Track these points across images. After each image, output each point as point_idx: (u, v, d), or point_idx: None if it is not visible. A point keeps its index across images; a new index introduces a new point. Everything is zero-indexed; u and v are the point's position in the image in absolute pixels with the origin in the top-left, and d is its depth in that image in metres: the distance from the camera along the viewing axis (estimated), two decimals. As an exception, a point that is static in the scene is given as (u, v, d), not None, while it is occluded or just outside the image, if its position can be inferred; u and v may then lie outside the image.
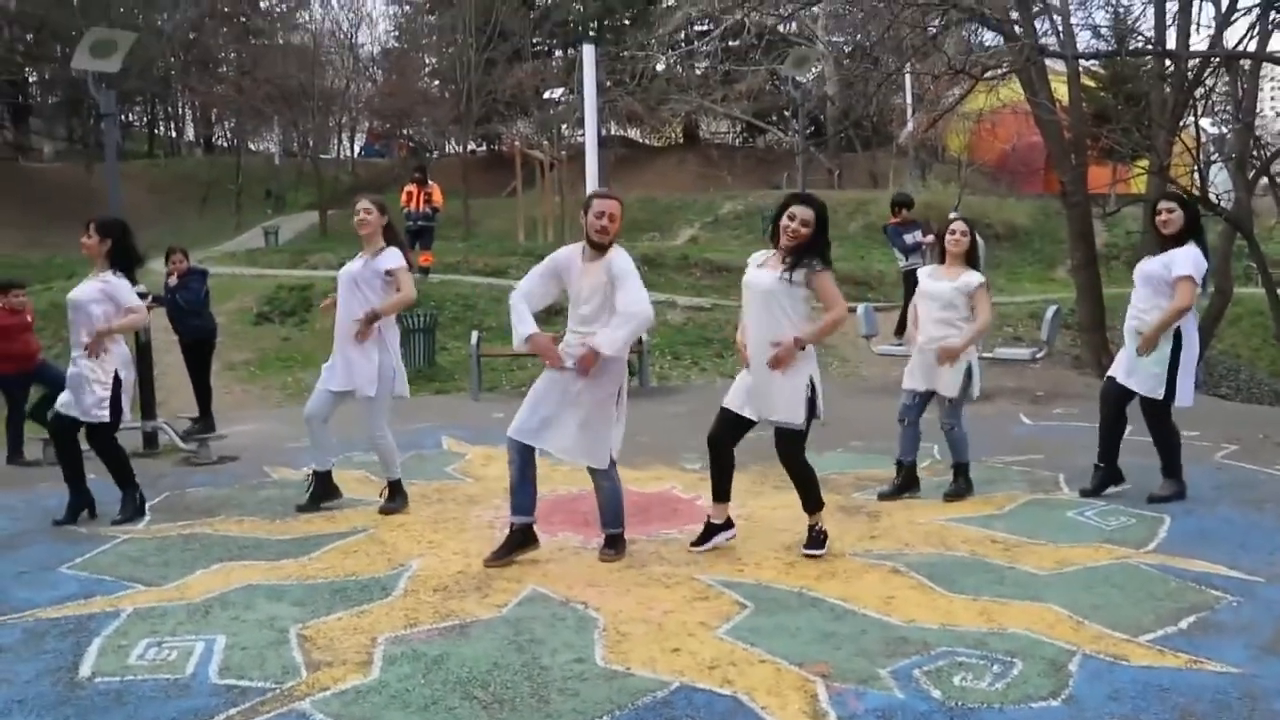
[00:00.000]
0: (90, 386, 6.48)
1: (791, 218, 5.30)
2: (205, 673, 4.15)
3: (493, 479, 7.34)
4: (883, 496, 6.70)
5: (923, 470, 7.04)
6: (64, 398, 6.58)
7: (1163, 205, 6.46)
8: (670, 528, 6.13)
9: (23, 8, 25.39)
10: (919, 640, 4.27)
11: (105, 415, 6.51)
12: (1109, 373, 6.68)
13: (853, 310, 12.04)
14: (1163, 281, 6.27)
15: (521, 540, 5.55)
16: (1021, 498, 6.62)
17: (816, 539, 5.51)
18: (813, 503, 5.53)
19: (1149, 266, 6.38)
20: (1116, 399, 6.55)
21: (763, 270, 5.40)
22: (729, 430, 5.51)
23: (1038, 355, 11.07)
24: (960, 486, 6.71)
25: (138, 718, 3.75)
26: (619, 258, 5.37)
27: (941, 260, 6.76)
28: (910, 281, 11.51)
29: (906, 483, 6.80)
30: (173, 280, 9.59)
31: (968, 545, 5.60)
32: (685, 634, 4.40)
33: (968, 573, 5.13)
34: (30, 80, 44.09)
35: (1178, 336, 6.27)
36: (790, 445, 5.41)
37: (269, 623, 4.69)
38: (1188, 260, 6.20)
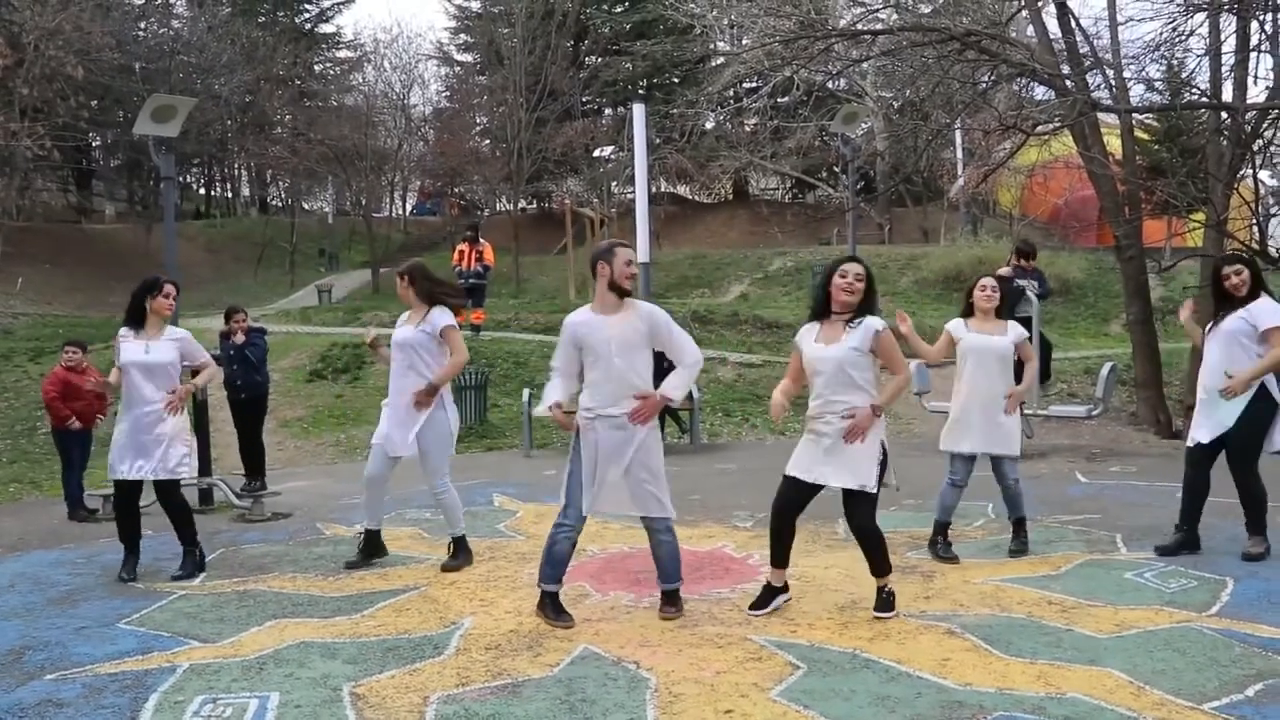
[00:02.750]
0: (175, 444, 6.62)
1: (844, 275, 5.32)
2: (260, 731, 4.17)
3: (544, 536, 7.31)
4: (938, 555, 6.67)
5: (977, 529, 6.97)
6: (137, 461, 6.65)
7: (1230, 270, 6.45)
8: (722, 586, 6.10)
9: (89, 76, 26.15)
10: (975, 704, 4.20)
11: (192, 470, 6.63)
12: (1192, 437, 6.56)
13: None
14: (1247, 337, 6.27)
15: (557, 602, 5.58)
16: (1078, 558, 6.51)
17: (886, 601, 5.45)
18: (882, 566, 5.45)
19: (1231, 325, 6.34)
20: (1202, 460, 6.48)
21: (825, 344, 5.36)
22: (796, 499, 5.46)
23: (1093, 413, 10.94)
24: (1024, 541, 6.67)
25: (193, 776, 3.77)
26: (647, 305, 5.44)
27: (968, 315, 6.73)
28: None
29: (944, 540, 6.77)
30: (238, 338, 9.74)
31: (1024, 607, 5.51)
32: (738, 695, 4.36)
33: (1024, 635, 5.04)
34: (94, 145, 45.17)
35: (1263, 385, 6.24)
36: (863, 509, 5.35)
37: (322, 680, 4.71)
38: (1275, 312, 6.26)
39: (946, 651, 4.84)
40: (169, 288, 6.78)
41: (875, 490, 5.31)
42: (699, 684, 4.50)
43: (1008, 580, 6.05)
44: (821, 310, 5.43)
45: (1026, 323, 11.45)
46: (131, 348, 6.68)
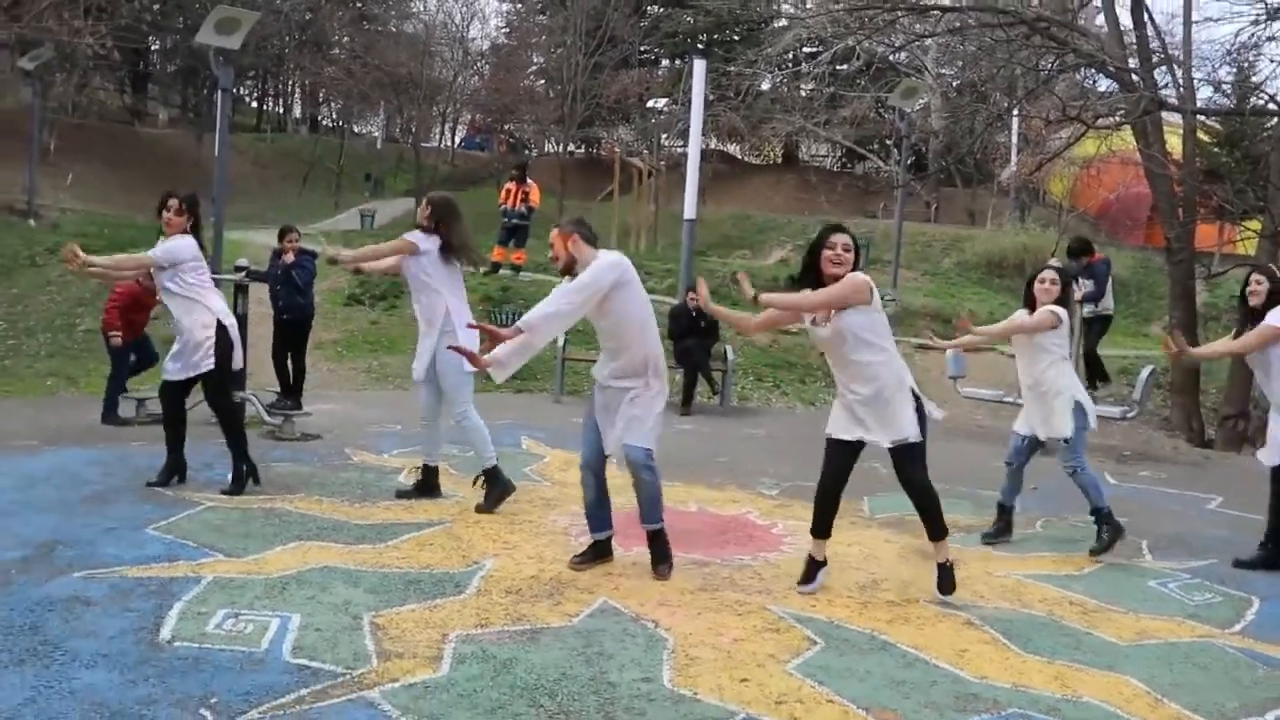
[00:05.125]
0: (195, 344, 6.71)
1: (832, 246, 5.17)
2: (279, 650, 4.23)
3: (571, 484, 7.35)
4: (986, 539, 6.70)
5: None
6: (171, 364, 6.77)
7: (1253, 278, 6.48)
8: (745, 553, 6.11)
9: (154, -23, 26.31)
10: (990, 698, 4.19)
11: (210, 364, 6.68)
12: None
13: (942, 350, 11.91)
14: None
15: (605, 551, 5.68)
16: (1102, 560, 6.47)
17: (948, 576, 5.39)
18: (938, 527, 5.35)
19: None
20: None
21: (822, 322, 5.25)
22: (843, 465, 5.38)
23: (1128, 415, 10.84)
24: (1106, 538, 6.50)
25: (213, 686, 3.83)
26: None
27: (1030, 308, 6.68)
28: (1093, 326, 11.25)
29: (1005, 527, 6.77)
30: (288, 258, 9.77)
31: (1045, 605, 5.49)
32: (754, 665, 4.37)
33: (1043, 633, 5.02)
34: (153, 49, 45.23)
35: None
36: (913, 462, 5.26)
37: (343, 607, 4.76)
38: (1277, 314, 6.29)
39: (965, 642, 4.83)
40: (171, 202, 6.81)
41: (921, 439, 5.24)
42: (716, 649, 4.52)
43: (1030, 576, 6.02)
44: (813, 283, 5.25)
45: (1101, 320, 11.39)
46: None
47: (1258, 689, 4.51)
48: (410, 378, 7.04)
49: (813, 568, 5.50)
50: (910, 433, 5.22)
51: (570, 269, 5.45)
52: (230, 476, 6.82)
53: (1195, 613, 5.52)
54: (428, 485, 7.00)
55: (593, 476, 5.62)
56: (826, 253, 5.18)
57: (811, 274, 5.24)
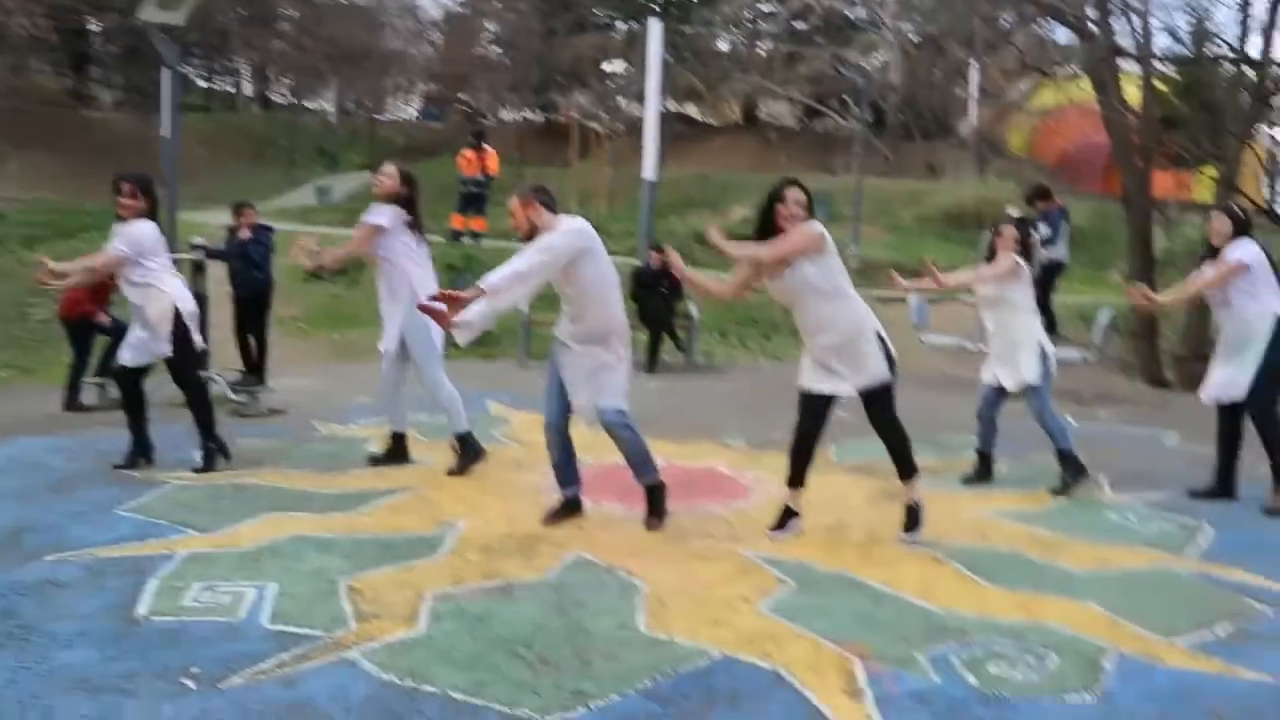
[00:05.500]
0: (157, 326, 6.64)
1: (784, 200, 5.23)
2: (257, 618, 4.27)
3: (538, 445, 7.34)
4: (966, 481, 6.87)
5: (967, 462, 7.07)
6: (126, 352, 6.73)
7: (1213, 215, 6.63)
8: (713, 503, 6.20)
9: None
10: (957, 628, 4.31)
11: (168, 349, 6.64)
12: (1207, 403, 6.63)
13: (903, 301, 12.03)
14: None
15: (576, 507, 5.77)
16: (1063, 497, 6.61)
17: (915, 516, 5.52)
18: (907, 466, 5.48)
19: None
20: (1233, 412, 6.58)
21: (785, 274, 5.30)
22: (819, 415, 5.47)
23: (1088, 357, 11.01)
24: (1069, 479, 6.71)
25: (193, 657, 3.87)
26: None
27: (991, 259, 6.80)
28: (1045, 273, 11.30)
29: (985, 472, 6.94)
30: (244, 234, 9.71)
31: (1008, 540, 5.63)
32: (727, 607, 4.47)
33: (1007, 566, 5.16)
34: (93, 29, 44.44)
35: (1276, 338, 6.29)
36: (884, 404, 5.38)
37: (318, 573, 4.81)
38: (1239, 247, 6.35)
39: (932, 577, 4.95)
40: (123, 185, 6.65)
41: (891, 379, 5.35)
42: (689, 594, 4.61)
43: (994, 513, 6.17)
44: (769, 237, 5.29)
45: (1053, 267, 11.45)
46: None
47: (1209, 607, 4.68)
48: (376, 349, 7.04)
49: (786, 515, 5.60)
50: (881, 375, 5.32)
51: (531, 236, 5.47)
52: (200, 455, 6.82)
53: (1151, 541, 5.69)
54: (398, 452, 7.03)
55: (557, 435, 5.70)
56: (780, 207, 5.24)
57: (769, 229, 5.29)
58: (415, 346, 6.72)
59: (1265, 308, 6.28)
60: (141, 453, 6.84)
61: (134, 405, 6.82)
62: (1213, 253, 6.51)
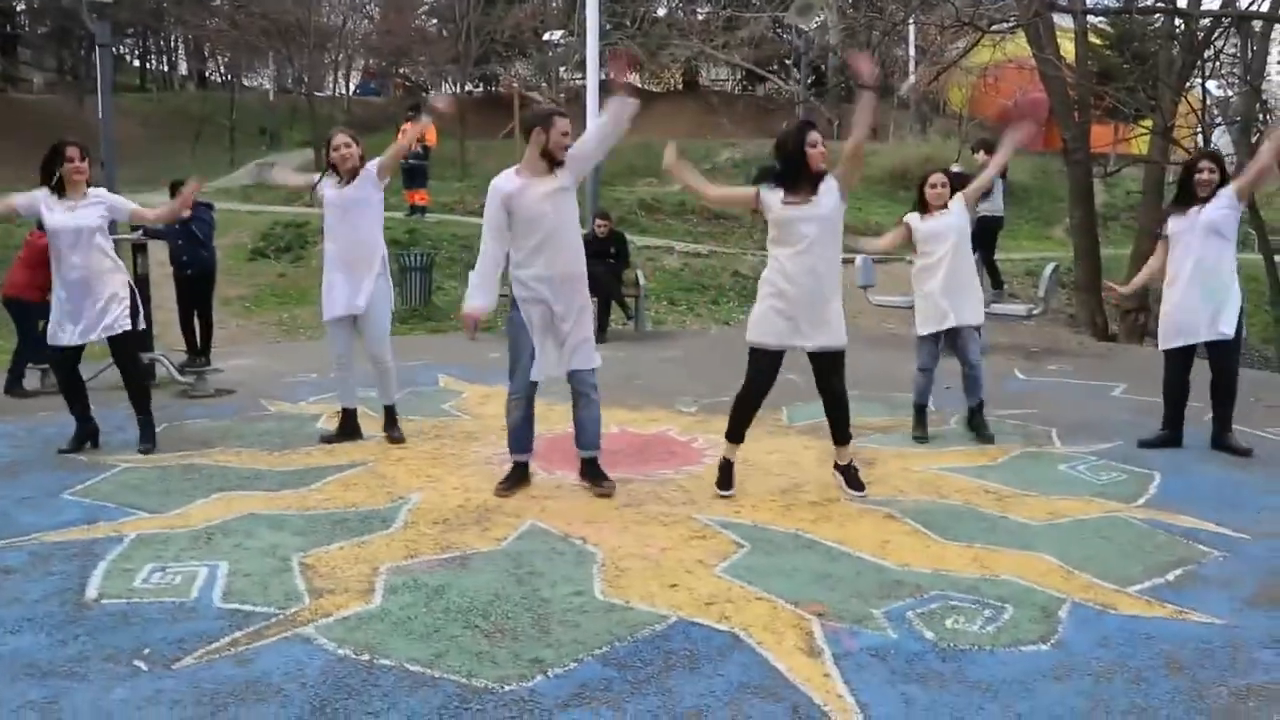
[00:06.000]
0: (111, 303, 6.55)
1: (814, 145, 5.33)
2: (209, 597, 4.21)
3: (490, 416, 7.39)
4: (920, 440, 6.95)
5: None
6: (75, 327, 6.55)
7: (1204, 164, 6.55)
8: (667, 469, 6.20)
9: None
10: (913, 584, 4.34)
11: (127, 324, 6.56)
12: (1187, 337, 6.57)
13: (851, 261, 12.06)
14: (1227, 225, 6.40)
15: (525, 474, 5.76)
16: (1014, 450, 6.68)
17: (855, 475, 5.66)
18: (846, 433, 5.63)
19: (1212, 215, 6.38)
20: (1188, 360, 6.66)
21: (803, 205, 5.32)
22: (769, 372, 5.51)
23: (1034, 313, 11.13)
24: (989, 431, 6.95)
25: (145, 638, 3.81)
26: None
27: (923, 212, 6.85)
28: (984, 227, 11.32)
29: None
30: (185, 213, 9.53)
31: (961, 495, 5.67)
32: (683, 571, 4.47)
33: (961, 521, 5.20)
34: (19, 9, 43.46)
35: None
36: (838, 369, 5.49)
37: (271, 551, 4.75)
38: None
39: (886, 534, 4.98)
40: (71, 151, 6.47)
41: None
42: (645, 559, 4.61)
43: (946, 469, 6.21)
44: (796, 174, 5.35)
45: (991, 222, 11.50)
46: (57, 215, 6.45)
47: (1160, 553, 4.75)
48: (324, 326, 6.96)
49: (729, 470, 5.64)
50: (842, 340, 5.41)
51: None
52: (140, 436, 6.72)
53: (1102, 491, 5.75)
54: (348, 428, 6.97)
55: (526, 397, 5.67)
56: (811, 150, 5.32)
57: (799, 168, 5.34)
58: (382, 319, 6.80)
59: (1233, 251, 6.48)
60: (87, 435, 6.72)
61: (75, 388, 6.70)
62: (1194, 200, 6.45)
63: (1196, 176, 6.46)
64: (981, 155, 11.57)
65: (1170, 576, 4.46)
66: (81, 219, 6.48)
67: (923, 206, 6.85)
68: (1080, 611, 4.07)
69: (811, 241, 5.33)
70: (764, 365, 5.49)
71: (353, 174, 6.62)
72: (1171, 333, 6.61)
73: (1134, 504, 5.51)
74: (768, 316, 5.43)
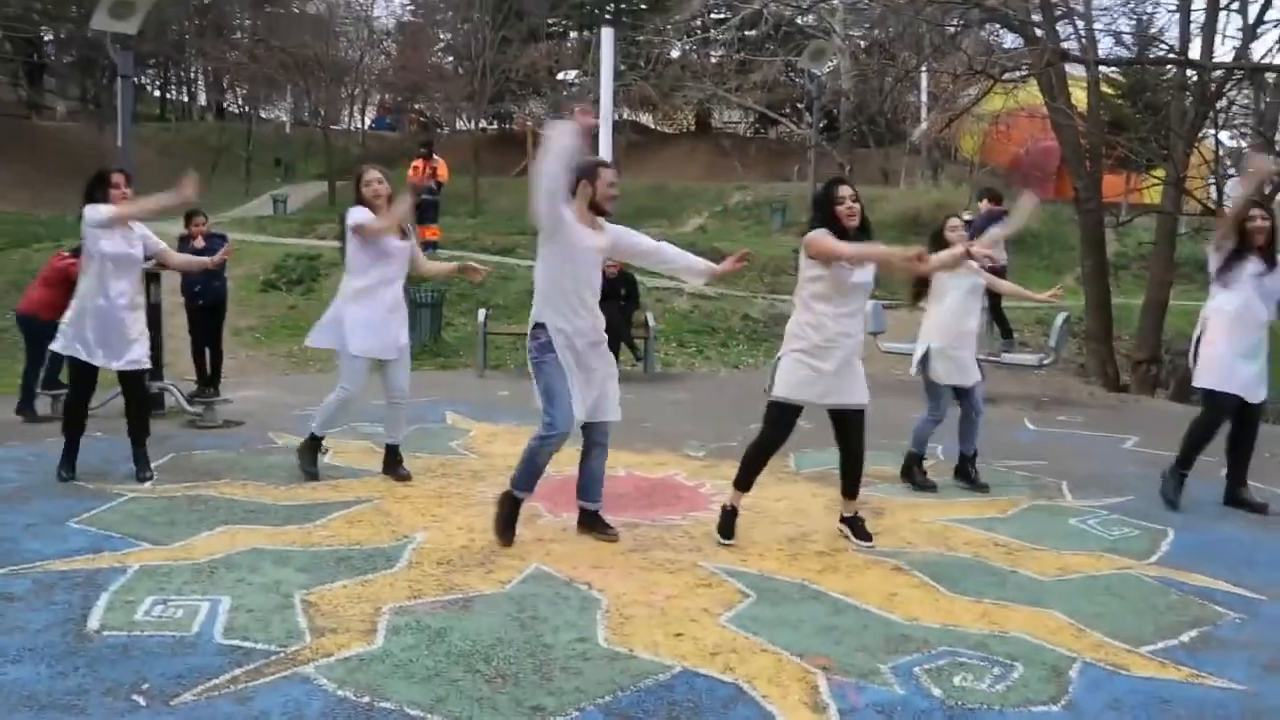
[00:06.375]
0: (141, 338, 6.67)
1: (845, 200, 5.32)
2: (210, 632, 4.17)
3: (497, 455, 7.37)
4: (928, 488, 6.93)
5: (926, 467, 7.08)
6: (108, 352, 6.55)
7: (1256, 213, 6.37)
8: (674, 514, 6.16)
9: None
10: (920, 638, 4.28)
11: (149, 361, 6.75)
12: (1227, 388, 6.39)
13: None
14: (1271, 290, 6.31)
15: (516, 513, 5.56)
16: (1024, 503, 6.63)
17: (862, 526, 5.64)
18: (857, 489, 5.66)
19: (1255, 269, 6.27)
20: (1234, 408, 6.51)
21: (862, 266, 5.34)
22: (791, 427, 5.51)
23: (1044, 362, 11.09)
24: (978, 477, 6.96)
25: (145, 672, 3.77)
26: (611, 226, 5.52)
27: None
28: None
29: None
30: (198, 243, 9.57)
31: (970, 547, 5.62)
32: (688, 619, 4.42)
33: (970, 574, 5.14)
34: (45, 39, 43.96)
35: None
36: (862, 426, 5.53)
37: (274, 587, 4.71)
38: None
39: (893, 586, 4.93)
40: (117, 177, 6.60)
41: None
42: (649, 607, 4.56)
43: (955, 520, 6.16)
44: (842, 235, 5.31)
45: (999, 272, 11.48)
46: (118, 242, 6.53)
47: (1172, 613, 4.68)
48: (333, 360, 6.96)
49: (732, 518, 5.60)
50: (866, 397, 5.46)
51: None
52: (137, 467, 6.71)
53: (1114, 546, 5.70)
54: (392, 464, 6.92)
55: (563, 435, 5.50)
56: (841, 209, 5.32)
57: (840, 231, 5.32)
58: (408, 349, 6.92)
59: None
60: (70, 465, 6.71)
61: (85, 410, 6.72)
62: (1240, 253, 6.32)
63: (1248, 224, 6.32)
64: (985, 204, 11.64)
65: (1185, 638, 4.38)
66: (135, 249, 6.61)
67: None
68: (1091, 672, 4.00)
69: (860, 305, 5.43)
70: (788, 420, 5.48)
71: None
72: (1226, 376, 6.37)
73: (1146, 561, 5.45)
74: (799, 373, 5.38)
